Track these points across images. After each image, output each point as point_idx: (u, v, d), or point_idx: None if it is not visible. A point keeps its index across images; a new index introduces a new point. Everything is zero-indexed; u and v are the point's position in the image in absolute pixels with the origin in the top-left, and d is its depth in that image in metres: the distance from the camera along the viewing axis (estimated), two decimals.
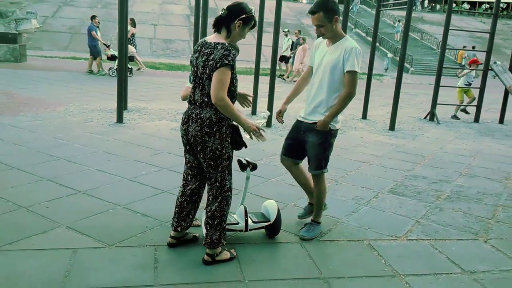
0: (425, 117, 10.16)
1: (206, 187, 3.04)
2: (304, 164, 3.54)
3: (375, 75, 19.39)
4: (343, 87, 3.27)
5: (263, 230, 3.42)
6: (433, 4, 49.97)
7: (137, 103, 9.22)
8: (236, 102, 3.28)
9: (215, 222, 2.91)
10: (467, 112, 10.71)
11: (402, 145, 7.14)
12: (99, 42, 14.01)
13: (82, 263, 2.86)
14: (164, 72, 17.05)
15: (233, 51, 2.74)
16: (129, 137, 6.32)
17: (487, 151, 7.13)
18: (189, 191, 3.08)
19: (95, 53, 14.12)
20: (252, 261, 3.04)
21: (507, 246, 3.54)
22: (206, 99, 2.77)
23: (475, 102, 10.47)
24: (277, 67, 11.32)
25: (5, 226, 3.30)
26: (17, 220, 3.42)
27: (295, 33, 18.15)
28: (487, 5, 47.36)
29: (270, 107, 7.75)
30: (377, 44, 21.06)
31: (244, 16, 2.79)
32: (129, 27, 12.67)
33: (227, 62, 2.68)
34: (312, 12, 3.20)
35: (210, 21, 2.89)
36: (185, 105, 3.05)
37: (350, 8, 28.20)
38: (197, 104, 2.84)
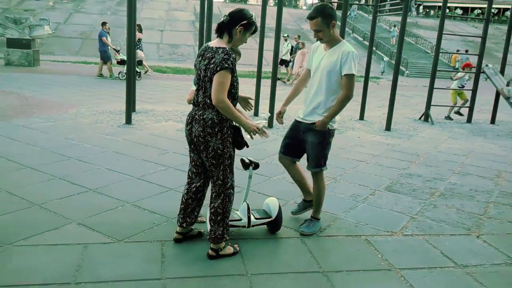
0: (419, 118, 10.14)
1: (210, 184, 3.05)
2: (303, 162, 3.54)
3: (372, 77, 19.39)
4: (340, 89, 3.28)
5: (265, 226, 3.42)
6: (427, 10, 49.85)
7: (145, 105, 9.22)
8: (238, 104, 3.30)
9: (218, 218, 2.92)
10: (461, 114, 10.69)
11: (398, 145, 7.12)
12: (109, 47, 14.04)
13: (93, 257, 2.87)
14: (171, 75, 17.06)
15: (233, 55, 2.74)
16: (137, 138, 6.33)
17: (479, 150, 7.11)
18: (194, 188, 3.09)
19: (105, 58, 14.14)
20: (255, 256, 3.05)
21: (498, 241, 3.54)
22: (208, 101, 2.78)
23: (468, 104, 10.45)
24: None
25: (19, 222, 3.31)
26: (31, 216, 3.43)
27: (295, 38, 18.15)
28: (479, 11, 47.24)
29: (271, 109, 7.74)
30: (374, 48, 21.04)
31: (245, 22, 2.79)
32: (136, 33, 12.68)
33: (226, 65, 2.69)
34: (310, 17, 3.20)
35: (214, 26, 2.90)
36: (190, 107, 3.05)
37: (348, 14, 28.19)
38: (200, 105, 2.85)
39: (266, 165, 5.19)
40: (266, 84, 9.20)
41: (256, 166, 3.22)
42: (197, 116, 2.84)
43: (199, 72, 2.86)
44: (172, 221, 3.47)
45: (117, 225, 3.36)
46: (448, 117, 10.48)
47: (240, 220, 3.24)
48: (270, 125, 7.62)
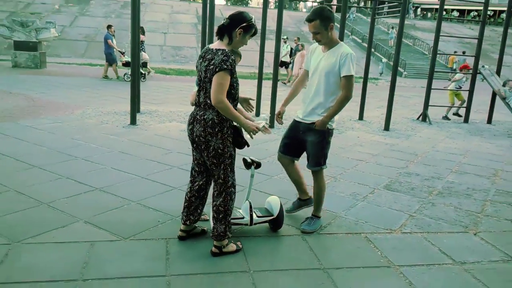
0: (417, 118, 10.13)
1: (212, 183, 3.05)
2: (302, 162, 3.54)
3: (371, 78, 19.37)
4: (339, 89, 3.29)
5: (267, 224, 3.42)
6: (425, 12, 49.78)
7: (149, 106, 9.23)
8: (239, 105, 3.30)
9: (220, 216, 2.93)
10: (459, 115, 10.67)
11: (397, 144, 7.11)
12: (114, 49, 14.05)
13: (99, 255, 2.88)
14: (174, 77, 17.06)
15: (232, 57, 2.75)
16: (142, 138, 6.34)
17: (476, 150, 7.10)
18: (197, 187, 3.09)
19: (110, 60, 14.15)
20: (257, 253, 3.05)
21: (495, 239, 3.53)
22: (209, 102, 2.79)
23: (465, 104, 10.43)
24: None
25: (27, 220, 3.32)
26: (39, 215, 3.44)
27: (294, 40, 18.16)
28: (475, 13, 47.13)
29: (272, 109, 7.74)
30: (373, 49, 21.05)
31: (244, 24, 2.80)
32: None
33: (225, 66, 2.69)
34: (309, 20, 3.21)
35: (216, 29, 2.90)
36: (193, 108, 3.05)
37: (347, 16, 28.19)
38: (201, 106, 2.86)
39: (268, 164, 5.19)
40: (267, 85, 9.18)
41: (258, 165, 3.22)
42: (198, 116, 2.85)
43: (200, 73, 2.87)
44: (176, 219, 3.48)
45: (122, 223, 3.37)
46: (446, 117, 10.47)
47: (243, 218, 3.24)
48: (271, 125, 7.62)
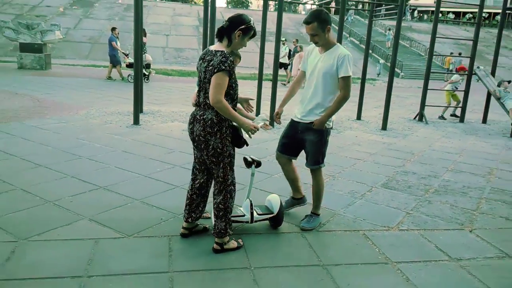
0: (414, 118, 10.12)
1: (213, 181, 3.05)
2: (300, 161, 3.54)
3: (368, 79, 19.34)
4: (337, 90, 3.30)
5: (267, 221, 3.42)
6: (421, 14, 49.73)
7: (151, 106, 9.23)
8: (240, 105, 3.31)
9: (220, 214, 2.93)
10: (456, 116, 10.66)
11: (394, 144, 7.11)
12: (118, 51, 14.05)
13: (104, 252, 2.88)
14: (176, 78, 17.06)
15: (231, 58, 2.75)
16: (145, 138, 6.33)
17: (471, 149, 7.09)
18: (198, 184, 3.10)
19: (114, 61, 14.15)
20: (258, 250, 3.05)
21: (490, 236, 3.53)
22: (208, 102, 2.79)
23: (460, 104, 10.43)
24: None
25: (33, 218, 3.32)
26: (44, 213, 3.44)
27: (293, 42, 18.16)
28: (471, 15, 47.08)
29: (272, 109, 7.74)
30: (370, 51, 21.04)
31: (243, 26, 2.80)
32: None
33: (224, 67, 2.69)
34: (307, 22, 3.21)
35: (216, 31, 2.91)
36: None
37: (345, 18, 28.13)
38: (201, 106, 2.87)
39: (268, 163, 5.19)
40: (267, 86, 9.18)
41: (258, 164, 3.22)
42: (198, 116, 2.86)
43: (200, 74, 2.87)
44: (178, 217, 3.48)
45: (126, 221, 3.37)
46: (442, 117, 10.47)
47: (244, 216, 3.25)
48: (271, 124, 7.61)
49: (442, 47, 29.86)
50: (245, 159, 3.23)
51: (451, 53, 26.47)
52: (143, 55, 11.91)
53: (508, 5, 11.15)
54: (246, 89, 12.80)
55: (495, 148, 7.26)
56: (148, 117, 8.02)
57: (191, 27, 30.09)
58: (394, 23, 11.27)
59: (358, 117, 9.50)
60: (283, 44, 17.44)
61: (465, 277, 2.84)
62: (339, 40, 8.08)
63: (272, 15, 23.11)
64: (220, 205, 2.93)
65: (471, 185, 4.95)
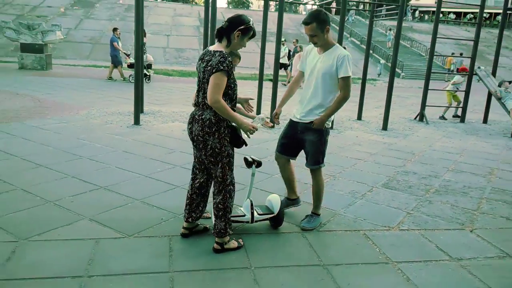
0: (415, 118, 10.11)
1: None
2: (300, 161, 3.53)
3: (369, 79, 19.34)
4: (336, 90, 3.31)
5: (267, 221, 3.42)
6: (422, 15, 49.70)
7: (152, 107, 9.23)
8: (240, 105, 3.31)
9: (220, 213, 2.93)
10: (458, 116, 10.65)
11: (394, 144, 7.11)
12: (120, 52, 14.06)
13: (104, 252, 2.88)
14: (176, 78, 17.07)
15: (229, 58, 2.75)
16: (145, 138, 6.34)
17: (472, 149, 7.09)
18: (198, 184, 3.10)
19: (116, 62, 14.16)
20: (258, 250, 3.05)
21: (491, 235, 3.53)
22: (206, 102, 2.80)
23: (461, 104, 10.42)
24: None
25: (34, 218, 3.32)
26: (45, 213, 3.44)
27: (293, 42, 18.18)
28: (472, 15, 47.03)
29: (273, 109, 7.74)
30: (371, 51, 20.99)
31: (242, 27, 2.80)
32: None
33: (222, 68, 2.70)
34: (306, 23, 3.22)
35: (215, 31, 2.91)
36: None
37: (346, 19, 28.12)
38: (200, 106, 2.87)
39: (268, 163, 5.18)
40: (267, 86, 9.19)
41: (259, 164, 3.22)
42: (196, 116, 2.87)
43: (199, 74, 2.88)
44: (179, 217, 3.48)
45: (127, 221, 3.37)
46: (442, 117, 10.46)
47: (244, 216, 3.25)
48: (272, 125, 7.61)
49: (443, 48, 29.85)
50: (245, 159, 3.23)
51: (453, 53, 26.48)
52: (144, 56, 11.93)
53: (509, 6, 11.14)
54: (246, 89, 12.80)
55: (496, 148, 7.25)
56: (148, 117, 8.02)
57: (192, 27, 30.10)
58: (395, 23, 11.27)
59: (359, 117, 9.49)
60: (283, 44, 17.44)
61: (466, 277, 2.84)
62: (340, 41, 8.08)
63: (272, 16, 23.10)
64: (219, 205, 2.93)
65: (472, 185, 4.94)
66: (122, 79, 14.24)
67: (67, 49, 23.27)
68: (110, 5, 32.31)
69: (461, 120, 10.25)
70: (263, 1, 9.63)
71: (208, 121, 2.80)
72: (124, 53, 14.11)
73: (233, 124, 2.91)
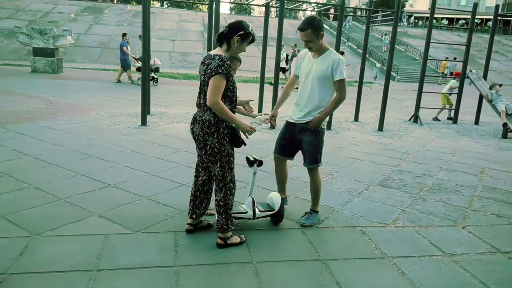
0: (409, 119, 10.10)
1: None
2: (299, 161, 3.53)
3: (365, 82, 19.33)
4: (332, 92, 3.34)
5: (268, 218, 3.42)
6: (416, 20, 49.64)
7: (158, 108, 9.24)
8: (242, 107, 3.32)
9: (221, 210, 2.94)
10: (452, 119, 10.64)
11: (390, 144, 7.10)
12: (129, 56, 14.08)
13: (113, 247, 2.88)
14: (182, 81, 17.08)
15: (228, 62, 2.75)
16: (152, 138, 6.34)
17: (464, 149, 7.08)
18: (201, 181, 3.10)
19: (125, 66, 14.18)
20: (259, 245, 3.05)
21: (482, 232, 3.52)
22: (206, 103, 2.80)
23: (453, 106, 10.40)
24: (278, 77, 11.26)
25: (45, 215, 3.33)
26: (56, 210, 3.45)
27: (292, 46, 18.17)
28: (464, 21, 46.97)
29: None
30: (367, 55, 20.96)
31: (242, 32, 2.81)
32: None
33: (221, 71, 2.70)
34: (301, 29, 3.23)
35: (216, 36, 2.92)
36: None
37: (344, 24, 28.13)
38: (201, 107, 2.89)
39: (269, 162, 5.16)
40: (268, 89, 9.19)
41: (260, 163, 3.22)
42: (198, 117, 2.89)
43: (201, 77, 2.89)
44: (184, 213, 3.48)
45: (134, 217, 3.37)
46: (436, 118, 10.44)
47: (246, 212, 3.25)
48: (273, 126, 7.61)
49: (436, 52, 29.83)
50: (247, 159, 3.23)
51: (446, 57, 26.42)
52: (152, 60, 11.94)
53: (500, 12, 11.12)
54: (248, 92, 12.80)
55: (487, 148, 7.24)
56: (155, 118, 8.03)
57: (196, 32, 30.12)
58: (390, 28, 11.25)
59: (356, 118, 9.48)
60: (281, 49, 17.45)
61: (458, 272, 2.83)
62: (338, 45, 8.08)
63: (273, 21, 23.12)
64: (220, 202, 2.94)
65: (464, 184, 4.93)
66: (130, 82, 14.27)
67: (77, 53, 23.31)
68: (118, 11, 32.36)
69: (454, 122, 10.23)
70: (264, 8, 9.63)
71: (207, 122, 2.81)
72: (133, 57, 14.14)
73: (233, 124, 2.91)
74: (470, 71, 10.52)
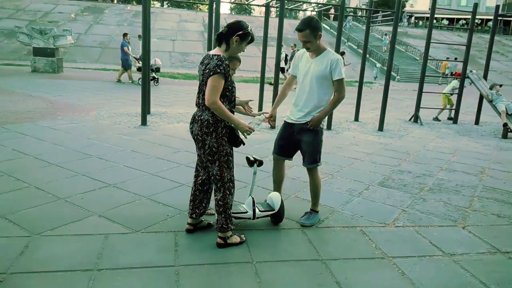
0: (409, 119, 10.10)
1: None
2: (298, 160, 3.53)
3: (366, 82, 19.32)
4: (331, 91, 3.34)
5: (268, 218, 3.42)
6: (416, 21, 49.64)
7: (158, 108, 9.24)
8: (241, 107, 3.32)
9: (221, 209, 2.95)
10: (451, 118, 10.64)
11: (390, 144, 7.10)
12: (130, 56, 14.09)
13: (113, 246, 2.88)
14: (182, 81, 17.09)
15: (226, 62, 2.75)
16: (152, 138, 6.34)
17: (464, 149, 7.07)
18: (200, 181, 3.10)
19: (126, 65, 14.20)
20: (259, 245, 3.05)
21: (482, 232, 3.52)
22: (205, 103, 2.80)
23: (453, 106, 10.40)
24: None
25: (46, 214, 3.33)
26: (56, 209, 3.45)
27: (291, 46, 18.16)
28: (464, 21, 46.97)
29: None
30: (367, 55, 20.96)
31: (241, 32, 2.81)
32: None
33: (219, 70, 2.71)
34: (299, 29, 3.23)
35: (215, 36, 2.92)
36: None
37: (344, 24, 28.15)
38: (200, 107, 2.89)
39: (269, 162, 5.15)
40: (268, 89, 9.19)
41: (260, 163, 3.22)
42: (197, 117, 2.90)
43: (200, 77, 2.89)
44: (184, 213, 3.48)
45: (134, 217, 3.37)
46: (436, 118, 10.44)
47: (246, 212, 3.25)
48: (273, 126, 7.61)
49: (437, 52, 29.83)
50: (247, 159, 3.23)
51: (447, 58, 26.43)
52: (152, 59, 11.93)
53: (500, 12, 11.12)
54: (248, 92, 12.80)
55: (487, 149, 7.23)
56: (155, 118, 8.03)
57: (197, 32, 30.12)
58: (390, 28, 11.25)
59: (356, 118, 9.48)
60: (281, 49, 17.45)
61: (458, 272, 2.83)
62: (338, 45, 8.08)
63: (273, 21, 23.12)
64: (220, 202, 2.95)
65: (464, 184, 4.93)
66: (131, 81, 14.28)
67: (77, 53, 23.31)
68: (119, 11, 32.36)
69: (454, 122, 10.23)
70: (264, 8, 9.63)
71: (206, 122, 2.82)
72: (134, 57, 14.15)
73: (231, 124, 2.91)
74: (471, 71, 10.52)
